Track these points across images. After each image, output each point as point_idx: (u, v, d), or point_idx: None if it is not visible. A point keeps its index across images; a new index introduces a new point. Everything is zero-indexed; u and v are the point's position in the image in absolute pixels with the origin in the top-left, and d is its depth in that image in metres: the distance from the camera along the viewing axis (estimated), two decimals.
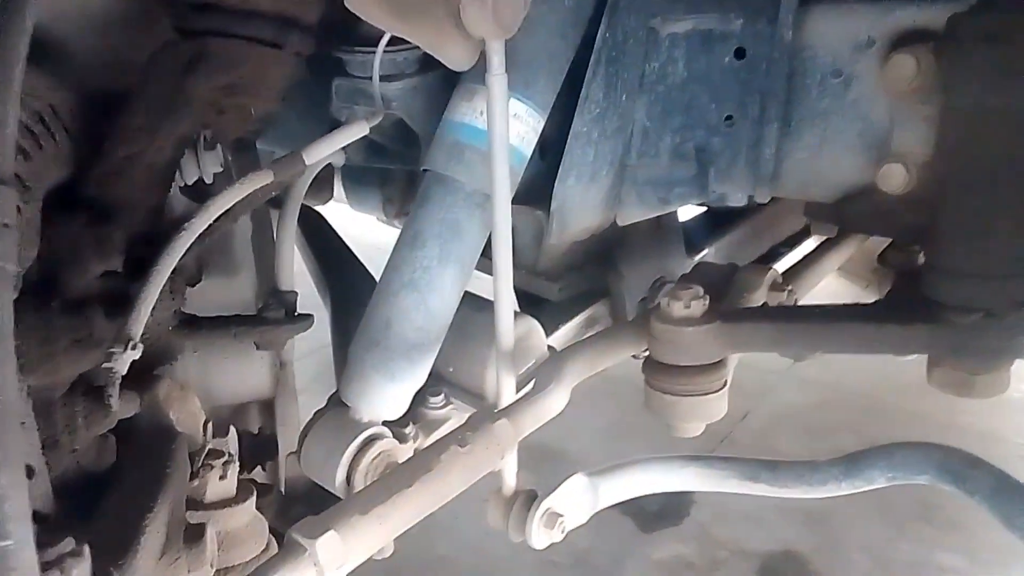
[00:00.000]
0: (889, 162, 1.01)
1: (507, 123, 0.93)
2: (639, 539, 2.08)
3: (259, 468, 1.19)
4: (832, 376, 3.05)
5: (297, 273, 1.59)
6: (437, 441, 0.88)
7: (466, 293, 1.30)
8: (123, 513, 0.69)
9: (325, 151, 0.89)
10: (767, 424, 2.66)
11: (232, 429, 0.98)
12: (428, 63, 1.14)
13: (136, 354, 0.70)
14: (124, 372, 0.70)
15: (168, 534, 0.74)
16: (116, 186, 0.80)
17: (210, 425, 0.98)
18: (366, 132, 0.93)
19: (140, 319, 0.72)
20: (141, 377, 0.88)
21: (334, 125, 1.18)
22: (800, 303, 1.31)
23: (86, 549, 0.57)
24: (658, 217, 1.40)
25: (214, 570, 0.78)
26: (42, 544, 0.56)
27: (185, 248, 0.78)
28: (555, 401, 1.00)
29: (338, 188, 2.21)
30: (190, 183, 0.95)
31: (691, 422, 1.00)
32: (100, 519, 0.68)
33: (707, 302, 0.97)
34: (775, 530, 2.13)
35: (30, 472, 0.65)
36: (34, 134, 0.72)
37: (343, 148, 1.23)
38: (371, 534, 0.76)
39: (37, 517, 0.66)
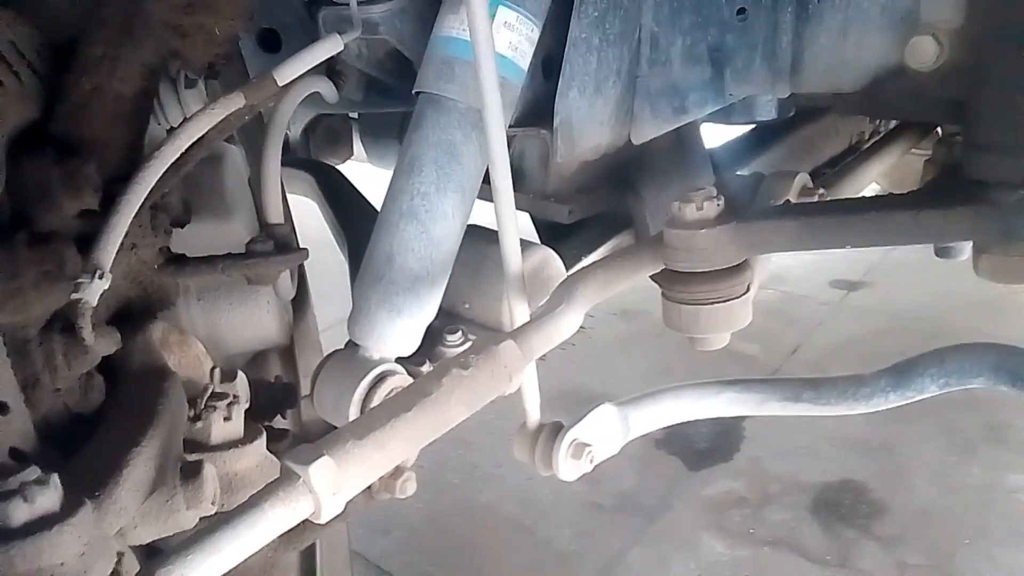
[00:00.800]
0: (918, 35, 0.91)
1: (490, 27, 0.87)
2: (687, 477, 2.02)
3: (280, 417, 1.17)
4: (887, 303, 2.92)
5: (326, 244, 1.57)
6: (438, 365, 0.84)
7: (478, 227, 1.25)
8: (107, 449, 0.67)
9: (298, 69, 0.84)
10: (820, 356, 2.56)
11: (241, 374, 0.95)
12: None
13: (105, 284, 0.67)
14: (94, 303, 0.67)
15: (161, 471, 0.72)
16: (82, 121, 0.77)
17: (217, 371, 0.95)
18: (340, 47, 0.88)
19: (108, 248, 0.69)
20: (135, 320, 0.86)
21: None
22: None
23: (54, 478, 0.55)
24: (678, 133, 1.32)
25: (216, 509, 0.76)
26: (5, 472, 0.54)
27: (156, 177, 0.75)
28: (567, 322, 0.94)
29: (358, 147, 2.18)
30: (174, 125, 0.92)
31: (714, 332, 0.93)
32: (84, 455, 0.66)
33: (723, 203, 0.89)
34: (831, 461, 2.05)
35: (3, 408, 0.63)
36: None
37: (336, 84, 1.19)
38: (369, 460, 0.73)
39: (15, 454, 0.64)
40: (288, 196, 1.57)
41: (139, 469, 0.66)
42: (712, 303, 0.89)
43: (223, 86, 1.01)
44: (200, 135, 0.80)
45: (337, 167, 1.92)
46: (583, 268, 1.06)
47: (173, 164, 0.79)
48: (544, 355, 1.02)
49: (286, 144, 2.16)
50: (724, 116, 1.66)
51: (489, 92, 0.89)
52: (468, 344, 1.20)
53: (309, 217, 1.71)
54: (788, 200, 1.12)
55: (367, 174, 1.93)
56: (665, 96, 1.19)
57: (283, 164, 1.89)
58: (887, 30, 0.97)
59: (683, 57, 1.16)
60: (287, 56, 1.55)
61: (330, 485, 0.69)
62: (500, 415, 1.09)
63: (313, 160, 1.99)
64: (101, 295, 0.70)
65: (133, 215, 0.73)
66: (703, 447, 2.14)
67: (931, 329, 2.63)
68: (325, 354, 1.29)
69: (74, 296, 0.65)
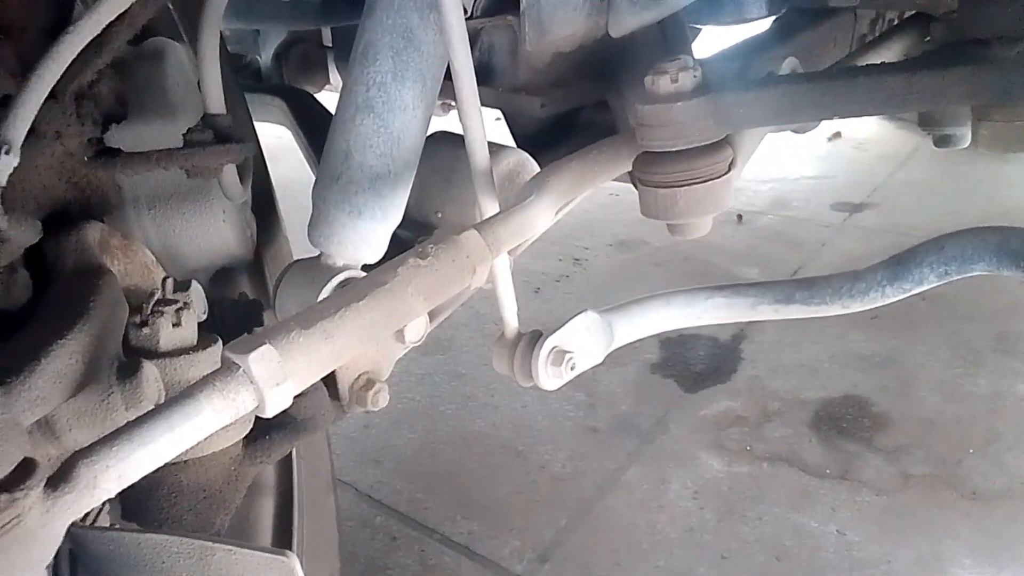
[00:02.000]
0: None
1: None
2: (683, 399, 1.98)
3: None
4: (892, 222, 2.84)
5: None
6: (396, 257, 0.78)
7: (448, 133, 1.18)
8: (31, 341, 0.62)
9: None
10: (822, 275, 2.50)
11: (196, 284, 0.90)
12: None
13: (13, 160, 0.61)
14: (3, 182, 0.62)
15: (93, 368, 0.67)
16: None
17: (170, 280, 0.90)
18: None
19: (17, 124, 0.63)
20: (71, 222, 0.81)
21: None
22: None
23: None
24: (663, 27, 1.24)
25: None
26: None
27: (72, 53, 0.68)
28: (537, 214, 0.88)
29: (334, 75, 2.09)
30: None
31: (694, 216, 0.87)
32: (5, 347, 0.62)
33: (699, 75, 0.82)
34: (833, 377, 2.01)
35: None
36: None
37: None
38: (316, 351, 0.67)
39: None
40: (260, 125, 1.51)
41: (60, 361, 0.61)
42: (690, 183, 0.83)
43: None
44: (121, 10, 0.73)
45: (311, 93, 1.84)
46: (556, 163, 0.99)
47: (94, 43, 0.72)
48: (539, 287, 0.97)
49: (256, 71, 2.08)
50: (713, 15, 1.57)
51: None
52: None
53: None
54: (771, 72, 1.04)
55: None
56: None
57: (254, 91, 1.82)
58: None
59: None
60: None
61: (272, 375, 0.64)
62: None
63: (284, 85, 1.91)
64: (17, 180, 0.64)
65: (46, 93, 0.66)
66: (700, 369, 2.09)
67: None
68: None
69: None
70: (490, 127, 0.95)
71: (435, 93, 0.99)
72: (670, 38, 1.34)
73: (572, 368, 1.04)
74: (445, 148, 1.15)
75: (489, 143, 0.94)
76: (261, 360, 0.63)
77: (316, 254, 1.01)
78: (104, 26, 0.71)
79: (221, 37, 1.01)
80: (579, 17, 1.10)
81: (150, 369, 0.70)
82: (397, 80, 0.93)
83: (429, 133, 1.03)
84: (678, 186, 0.84)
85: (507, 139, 1.37)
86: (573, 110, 1.33)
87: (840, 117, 0.83)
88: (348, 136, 0.94)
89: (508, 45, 1.11)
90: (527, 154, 1.18)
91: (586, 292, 2.45)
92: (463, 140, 1.09)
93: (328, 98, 1.91)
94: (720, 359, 2.11)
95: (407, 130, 0.96)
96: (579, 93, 1.18)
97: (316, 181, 0.98)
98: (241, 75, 2.00)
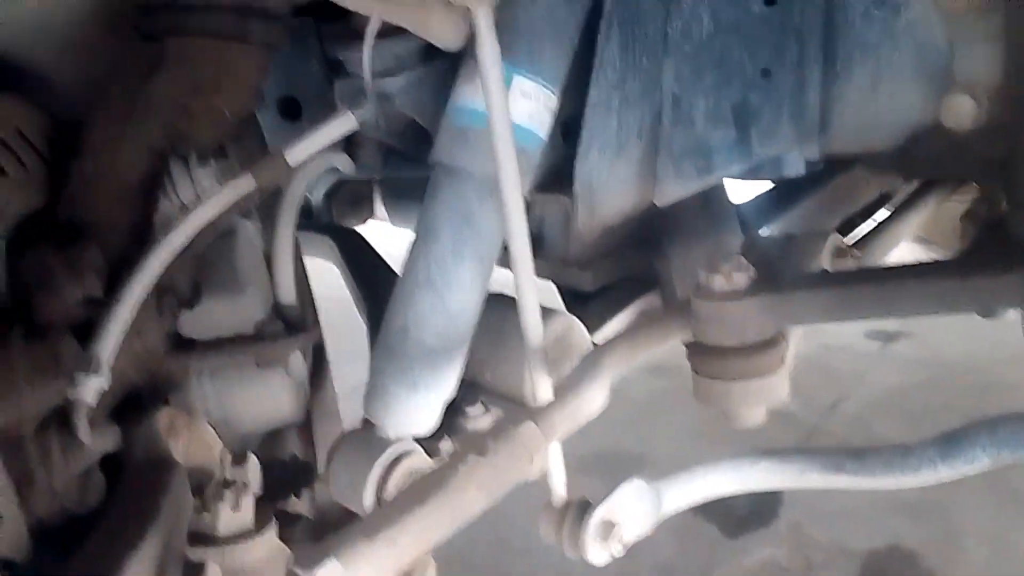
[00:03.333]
0: (953, 93, 0.87)
1: (505, 96, 0.85)
2: (726, 546, 1.93)
3: (294, 496, 1.12)
4: (928, 353, 2.81)
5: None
6: (454, 453, 0.79)
7: (499, 294, 1.22)
8: (103, 552, 0.63)
9: (310, 149, 0.82)
10: (862, 411, 2.46)
11: (252, 456, 0.91)
12: (433, 52, 1.06)
13: (103, 381, 0.64)
14: (91, 401, 0.64)
15: (163, 573, 0.68)
16: (86, 205, 0.75)
17: (228, 457, 0.92)
18: (354, 125, 0.86)
19: (107, 342, 0.66)
20: (140, 407, 0.83)
21: None
22: None
23: None
24: (705, 192, 1.28)
25: None
26: None
27: (162, 265, 0.72)
28: (591, 399, 0.90)
29: (379, 207, 2.17)
30: (186, 203, 0.90)
31: (749, 408, 0.87)
32: (79, 559, 0.63)
33: (752, 272, 0.85)
34: (877, 526, 1.94)
35: None
36: None
37: (353, 155, 1.18)
38: (381, 561, 0.68)
39: (6, 565, 0.60)
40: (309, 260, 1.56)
41: (137, 573, 0.62)
42: (745, 379, 0.84)
43: (238, 159, 1.00)
44: (209, 219, 0.77)
45: (359, 231, 1.91)
46: (608, 342, 1.01)
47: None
48: None
49: (308, 209, 2.17)
50: (751, 172, 1.62)
51: (506, 162, 0.87)
52: (488, 416, 1.15)
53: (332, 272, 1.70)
54: (822, 266, 1.07)
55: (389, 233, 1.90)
56: (689, 156, 1.15)
57: (304, 229, 1.89)
58: (921, 87, 0.93)
59: (706, 116, 1.13)
60: (308, 124, 1.56)
61: None
62: (535, 484, 1.05)
63: (334, 224, 1.98)
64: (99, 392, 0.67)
65: (136, 305, 0.70)
66: (742, 513, 2.04)
67: (980, 382, 2.52)
68: (343, 426, 1.27)
69: (70, 395, 0.62)
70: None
71: (491, 270, 1.03)
72: (710, 198, 1.38)
73: (621, 542, 1.03)
74: (495, 308, 1.18)
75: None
76: None
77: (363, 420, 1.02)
78: (193, 236, 0.76)
79: None
80: (628, 193, 1.14)
81: (213, 570, 0.71)
82: (456, 258, 0.97)
83: None
84: (733, 380, 0.85)
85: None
86: None
87: (893, 316, 0.84)
88: (407, 312, 0.97)
89: (560, 218, 1.16)
90: (573, 318, 1.20)
91: (623, 421, 2.42)
92: (511, 300, 1.13)
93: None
94: (761, 501, 2.06)
95: (464, 307, 0.99)
96: (628, 263, 1.22)
97: (373, 354, 1.00)
98: None
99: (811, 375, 2.73)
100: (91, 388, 0.63)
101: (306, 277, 1.21)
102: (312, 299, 1.21)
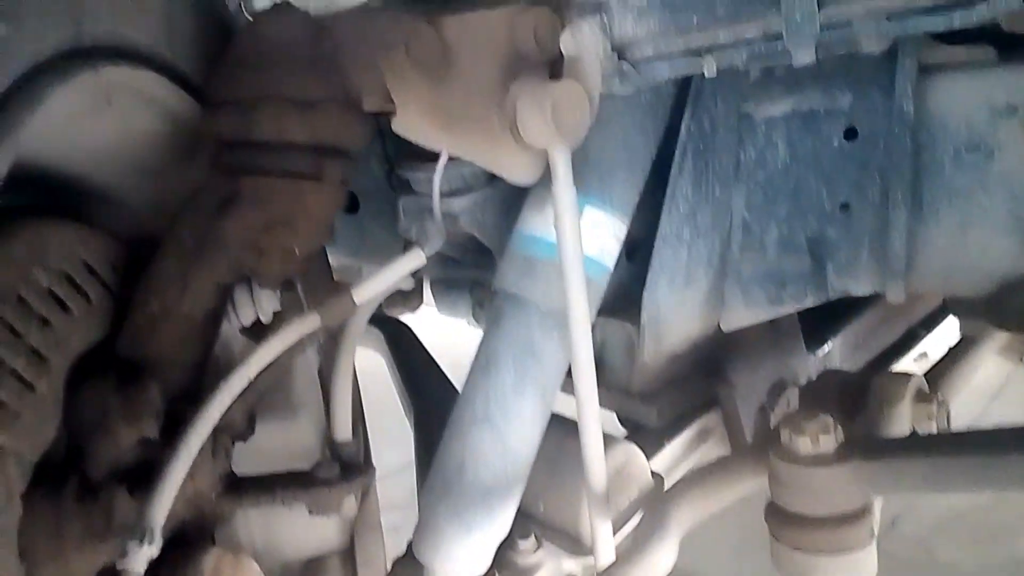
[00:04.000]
0: None
1: (579, 238, 0.82)
2: None
3: None
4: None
5: None
6: None
7: (557, 416, 1.17)
8: None
9: (378, 288, 0.80)
10: (924, 530, 2.31)
11: None
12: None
13: (154, 551, 0.61)
14: (141, 570, 0.61)
15: None
16: (148, 342, 0.73)
17: None
18: (422, 263, 0.84)
19: (161, 506, 0.63)
20: (186, 546, 0.79)
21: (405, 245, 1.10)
22: (954, 416, 1.09)
23: None
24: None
25: None
26: None
27: (220, 412, 0.70)
28: (662, 558, 0.83)
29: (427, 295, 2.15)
30: (247, 324, 0.88)
31: None
32: None
33: (840, 435, 0.79)
34: None
35: None
36: (57, 298, 0.66)
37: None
38: None
39: None
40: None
41: None
42: (832, 554, 0.77)
43: (304, 292, 0.98)
44: (272, 359, 0.75)
45: (407, 324, 1.88)
46: (675, 486, 0.95)
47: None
48: None
49: None
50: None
51: (575, 298, 0.83)
52: (541, 551, 1.09)
53: None
54: (904, 410, 1.00)
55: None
56: (759, 283, 1.11)
57: None
58: (1015, 235, 0.88)
59: (779, 245, 1.09)
60: (365, 217, 1.55)
61: None
62: None
63: (383, 316, 1.96)
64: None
65: (192, 460, 0.67)
66: None
67: None
68: (383, 543, 1.21)
69: (118, 564, 0.59)
70: None
71: (552, 404, 0.98)
72: (778, 325, 1.33)
73: None
74: (553, 435, 1.13)
75: None
76: None
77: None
78: (251, 381, 0.73)
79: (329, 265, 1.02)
80: (695, 321, 1.10)
81: None
82: (517, 392, 0.93)
83: None
84: (819, 554, 0.78)
85: None
86: None
87: (995, 491, 0.77)
88: (464, 447, 0.93)
89: (623, 345, 1.11)
90: (633, 446, 1.14)
91: None
92: (569, 425, 1.08)
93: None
94: None
95: (523, 443, 0.95)
96: (692, 394, 1.16)
97: (425, 487, 0.96)
98: None
99: None
100: (142, 559, 0.60)
101: (360, 402, 1.17)
102: (362, 414, 1.17)
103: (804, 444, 0.78)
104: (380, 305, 2.13)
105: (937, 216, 0.93)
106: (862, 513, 0.78)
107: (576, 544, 1.05)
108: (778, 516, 0.81)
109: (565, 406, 1.02)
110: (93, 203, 0.80)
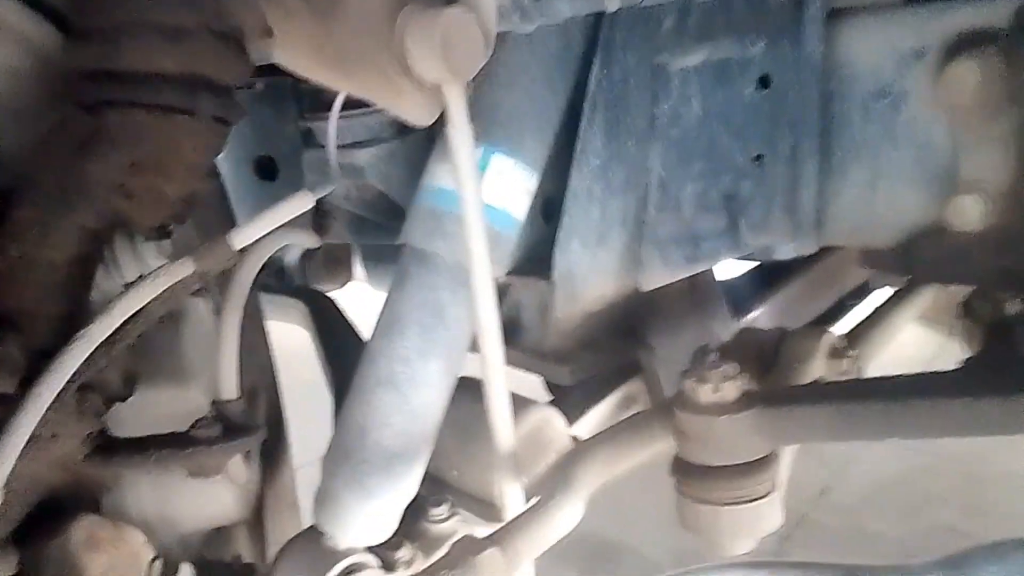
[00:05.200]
0: (959, 194, 0.82)
1: (477, 176, 0.78)
2: None
3: None
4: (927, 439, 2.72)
5: None
6: None
7: (468, 380, 1.13)
8: None
9: (257, 232, 0.75)
10: (852, 500, 2.36)
11: (185, 567, 0.81)
12: (407, 125, 1.01)
13: None
14: None
15: None
16: (9, 292, 0.67)
17: (158, 562, 0.82)
18: (310, 205, 0.79)
19: (5, 456, 0.57)
20: (61, 514, 0.74)
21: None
22: (867, 371, 1.09)
23: None
24: (691, 278, 1.22)
25: None
26: None
27: (77, 363, 0.64)
28: (563, 516, 0.81)
29: (358, 269, 2.10)
30: (131, 280, 0.82)
31: (737, 539, 0.79)
32: None
33: (742, 382, 0.77)
34: None
35: None
36: None
37: (323, 225, 1.10)
38: None
39: None
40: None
41: None
42: (734, 503, 0.75)
43: (198, 232, 0.92)
44: (138, 308, 0.69)
45: (332, 297, 1.83)
46: (584, 446, 0.93)
47: (107, 340, 0.69)
48: None
49: (280, 270, 2.08)
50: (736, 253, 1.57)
51: (476, 247, 0.80)
52: (455, 519, 1.05)
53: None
54: (817, 366, 0.99)
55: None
56: (676, 243, 1.09)
57: (276, 292, 1.81)
58: (922, 186, 0.88)
59: (695, 203, 1.07)
60: (284, 184, 1.49)
61: None
62: None
63: (307, 288, 1.90)
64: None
65: (44, 408, 0.61)
66: None
67: (976, 472, 2.42)
68: (301, 517, 1.16)
69: None
70: None
71: (460, 366, 0.95)
72: (697, 283, 1.31)
73: None
74: (464, 398, 1.10)
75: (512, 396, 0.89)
76: None
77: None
78: (118, 326, 0.68)
79: None
80: (610, 280, 1.07)
81: None
82: (423, 356, 0.89)
83: None
84: (721, 504, 0.76)
85: None
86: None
87: (900, 438, 0.76)
88: (365, 411, 0.89)
89: (537, 303, 1.08)
90: (551, 409, 1.12)
91: (604, 503, 2.30)
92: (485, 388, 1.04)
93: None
94: None
95: (429, 407, 0.91)
96: (608, 356, 1.14)
97: (327, 454, 0.91)
98: (264, 274, 2.00)
99: (799, 459, 2.64)
100: None
101: (269, 356, 1.12)
102: (274, 384, 1.12)
103: (705, 392, 0.76)
104: (307, 279, 2.07)
105: (845, 169, 0.93)
106: (765, 463, 0.77)
107: (491, 510, 1.02)
108: (682, 469, 0.79)
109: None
110: None
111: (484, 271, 0.80)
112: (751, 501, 0.75)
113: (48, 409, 0.64)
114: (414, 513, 1.00)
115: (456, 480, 1.08)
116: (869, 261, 0.98)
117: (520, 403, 1.12)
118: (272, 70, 0.82)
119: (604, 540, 2.12)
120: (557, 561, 0.88)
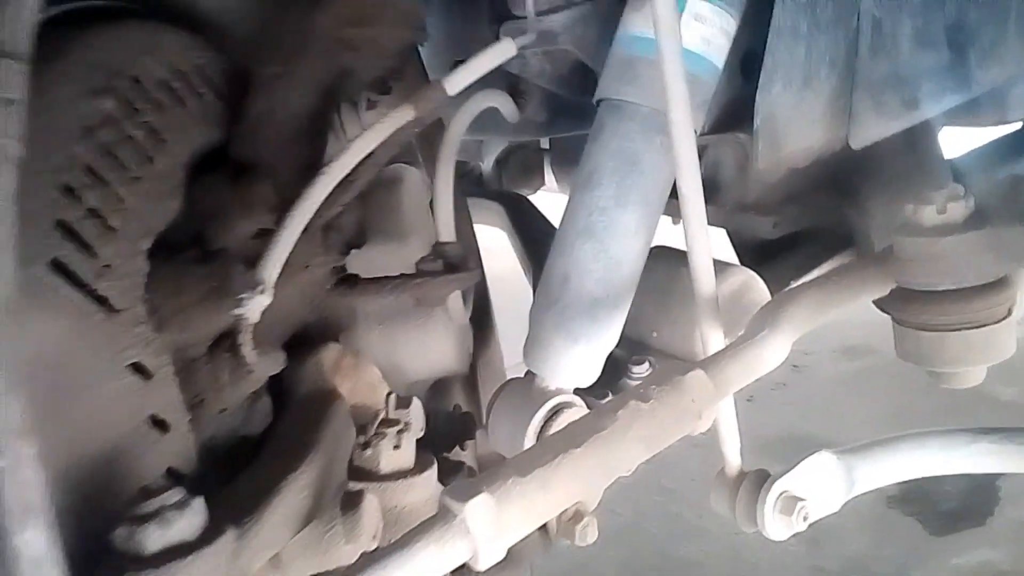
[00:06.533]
0: None
1: (677, 18, 0.77)
2: (929, 543, 1.71)
3: (459, 449, 1.12)
4: None
5: None
6: (616, 397, 0.74)
7: (668, 247, 1.14)
8: (263, 474, 0.64)
9: (469, 77, 0.79)
10: None
11: (416, 401, 0.91)
12: None
13: (266, 299, 0.65)
14: (256, 318, 0.66)
15: (319, 500, 0.68)
16: (258, 143, 0.77)
17: (393, 396, 0.92)
18: (513, 52, 0.82)
19: (272, 264, 0.67)
20: (309, 344, 0.85)
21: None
22: None
23: (197, 502, 0.52)
24: (910, 134, 1.12)
25: (376, 544, 0.71)
26: (151, 493, 0.52)
27: (323, 194, 0.73)
28: (770, 351, 0.80)
29: (549, 176, 2.15)
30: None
31: (964, 366, 0.74)
32: (241, 480, 0.64)
33: (971, 204, 0.71)
34: None
35: (163, 425, 0.62)
36: (172, 89, 0.71)
37: (518, 104, 1.14)
38: (533, 501, 0.64)
39: (173, 474, 0.63)
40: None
41: (291, 497, 0.62)
42: (963, 328, 0.71)
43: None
44: (369, 151, 0.77)
45: (528, 197, 1.89)
46: (792, 288, 0.91)
47: (343, 181, 0.77)
48: (752, 395, 0.88)
49: (479, 176, 2.18)
50: (968, 115, 1.41)
51: (676, 91, 0.79)
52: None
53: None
54: None
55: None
56: (892, 87, 1.01)
57: (473, 195, 1.91)
58: None
59: (913, 41, 0.98)
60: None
61: (489, 526, 0.61)
62: (705, 461, 0.97)
63: (503, 191, 1.98)
64: (265, 312, 0.68)
65: (300, 232, 0.71)
66: (949, 508, 1.81)
67: None
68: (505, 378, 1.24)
69: (235, 312, 0.64)
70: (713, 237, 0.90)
71: (658, 216, 0.96)
72: (919, 146, 1.21)
73: (805, 519, 0.93)
74: (664, 264, 1.11)
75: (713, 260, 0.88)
76: (479, 510, 0.60)
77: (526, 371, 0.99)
78: (353, 167, 0.75)
79: None
80: (817, 130, 1.02)
81: (371, 502, 0.70)
82: (620, 205, 0.91)
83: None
84: (947, 331, 0.72)
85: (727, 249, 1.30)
86: None
87: None
88: (567, 260, 0.93)
89: (736, 161, 1.06)
90: (753, 273, 1.10)
91: (809, 404, 2.24)
92: (682, 255, 1.05)
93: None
94: (973, 496, 1.82)
95: (627, 255, 0.93)
96: (815, 210, 1.09)
97: (533, 303, 0.97)
98: (464, 181, 2.11)
99: None
100: (256, 306, 0.65)
101: (472, 229, 1.20)
102: (476, 247, 1.20)
103: (929, 214, 0.71)
104: (502, 182, 2.15)
105: None
106: (997, 286, 0.71)
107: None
108: (902, 298, 0.76)
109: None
110: (198, 30, 0.84)
111: (684, 111, 0.80)
112: (983, 326, 0.70)
113: (299, 239, 0.73)
114: (616, 371, 1.04)
115: (657, 341, 1.11)
116: None
117: (721, 265, 1.11)
118: None
119: (812, 438, 2.07)
120: (765, 457, 0.90)
